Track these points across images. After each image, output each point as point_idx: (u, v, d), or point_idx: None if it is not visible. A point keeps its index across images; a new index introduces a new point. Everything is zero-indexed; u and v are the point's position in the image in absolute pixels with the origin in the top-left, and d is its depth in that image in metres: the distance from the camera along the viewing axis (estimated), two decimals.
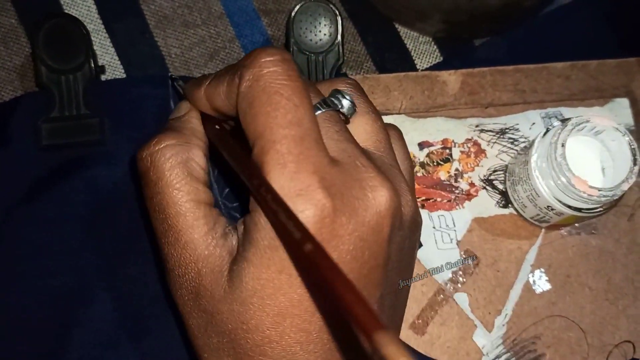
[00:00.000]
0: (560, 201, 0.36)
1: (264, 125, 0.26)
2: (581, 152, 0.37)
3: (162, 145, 0.28)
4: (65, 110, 0.40)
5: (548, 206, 0.37)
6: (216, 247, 0.27)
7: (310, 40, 0.41)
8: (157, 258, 0.38)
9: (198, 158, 0.29)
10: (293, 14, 0.41)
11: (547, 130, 0.37)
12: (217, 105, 0.29)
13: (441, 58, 0.45)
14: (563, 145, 0.35)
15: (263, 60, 0.27)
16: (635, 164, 0.35)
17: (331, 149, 0.27)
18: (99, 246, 0.38)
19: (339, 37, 0.41)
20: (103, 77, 0.43)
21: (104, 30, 0.44)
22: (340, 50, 0.41)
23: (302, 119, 0.26)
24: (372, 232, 0.26)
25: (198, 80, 0.31)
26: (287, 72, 0.27)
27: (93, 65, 0.40)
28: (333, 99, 0.29)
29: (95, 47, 0.43)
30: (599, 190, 0.34)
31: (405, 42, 0.46)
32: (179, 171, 0.28)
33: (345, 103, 0.29)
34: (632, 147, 0.35)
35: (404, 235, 0.28)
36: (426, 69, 0.45)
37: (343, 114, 0.29)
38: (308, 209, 0.25)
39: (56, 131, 0.39)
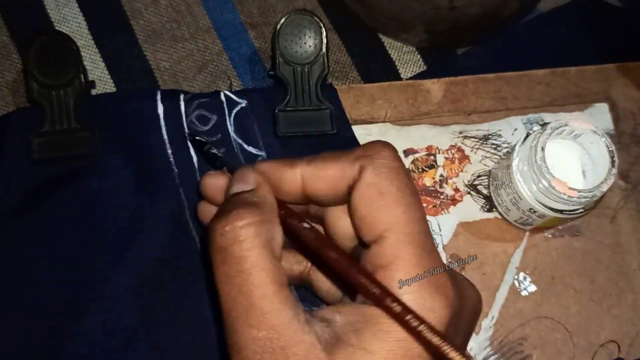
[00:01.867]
0: (542, 203, 0.36)
1: (397, 217, 0.26)
2: (562, 156, 0.38)
3: (245, 222, 0.27)
4: (56, 125, 0.40)
5: (530, 209, 0.37)
6: (304, 333, 0.26)
7: (296, 52, 0.42)
8: (151, 272, 0.38)
9: (278, 237, 0.28)
10: (279, 26, 0.42)
11: (528, 135, 0.37)
12: (317, 188, 0.29)
13: (425, 67, 0.46)
14: (543, 149, 0.36)
15: (388, 154, 0.28)
16: (613, 166, 0.35)
17: None
18: (90, 259, 0.38)
19: (324, 49, 0.42)
20: (93, 92, 0.44)
21: (94, 46, 0.45)
22: (325, 61, 0.42)
23: (425, 217, 0.27)
24: (471, 327, 0.29)
25: (288, 162, 0.30)
26: (407, 170, 0.28)
27: (83, 80, 0.41)
28: None
29: (85, 62, 0.44)
30: (579, 192, 0.35)
31: (390, 52, 0.47)
32: (265, 252, 0.27)
33: None
34: (610, 149, 0.36)
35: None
36: (410, 78, 0.46)
37: None
38: (445, 306, 0.25)
39: (47, 145, 0.40)
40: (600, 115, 0.44)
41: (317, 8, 0.47)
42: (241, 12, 0.47)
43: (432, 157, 0.42)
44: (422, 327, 0.24)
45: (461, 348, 0.24)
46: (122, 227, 0.39)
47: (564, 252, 0.41)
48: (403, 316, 0.24)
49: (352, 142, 0.41)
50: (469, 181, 0.42)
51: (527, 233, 0.41)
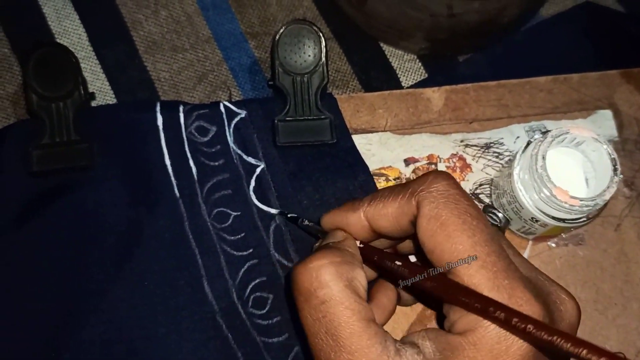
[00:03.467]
0: (543, 212, 0.36)
1: (463, 245, 0.26)
2: (564, 164, 0.38)
3: (327, 261, 0.28)
4: (55, 137, 0.40)
5: (532, 218, 0.37)
6: None
7: (295, 61, 0.42)
8: (150, 284, 0.38)
9: (360, 277, 0.29)
10: (278, 36, 0.42)
11: (529, 143, 0.37)
12: (381, 226, 0.30)
13: (426, 75, 0.46)
14: (544, 157, 0.35)
15: (443, 183, 0.28)
16: (615, 174, 0.35)
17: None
18: (88, 271, 0.38)
19: (323, 58, 0.41)
20: (93, 103, 0.44)
21: (95, 57, 0.45)
22: (325, 71, 0.41)
23: (494, 236, 0.27)
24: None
25: (351, 206, 0.31)
26: (465, 193, 0.28)
27: (83, 92, 0.41)
28: (488, 214, 0.32)
29: (86, 74, 0.44)
30: (581, 201, 0.34)
31: (390, 60, 0.47)
32: (348, 290, 0.27)
33: (501, 217, 0.34)
34: (612, 157, 0.35)
35: None
36: (411, 86, 0.45)
37: (500, 226, 0.33)
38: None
39: (46, 157, 0.40)
40: (604, 122, 0.44)
41: (317, 17, 0.47)
42: (241, 22, 0.47)
43: (433, 166, 0.42)
44: (530, 327, 0.24)
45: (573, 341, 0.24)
46: (121, 239, 0.39)
47: (568, 261, 0.40)
48: (510, 320, 0.24)
49: (352, 152, 0.41)
50: (470, 190, 0.41)
51: (530, 242, 0.41)
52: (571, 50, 0.46)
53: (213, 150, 0.41)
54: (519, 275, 0.26)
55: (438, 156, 0.42)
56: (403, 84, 0.46)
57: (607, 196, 0.35)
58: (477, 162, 0.42)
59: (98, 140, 0.40)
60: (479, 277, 0.26)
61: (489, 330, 0.26)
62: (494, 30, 0.43)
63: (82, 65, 0.45)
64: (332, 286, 0.27)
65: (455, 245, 0.26)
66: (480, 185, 0.42)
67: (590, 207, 0.35)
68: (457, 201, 0.27)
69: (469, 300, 0.26)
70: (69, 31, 0.46)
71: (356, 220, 0.31)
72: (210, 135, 0.41)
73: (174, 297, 0.38)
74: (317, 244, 0.35)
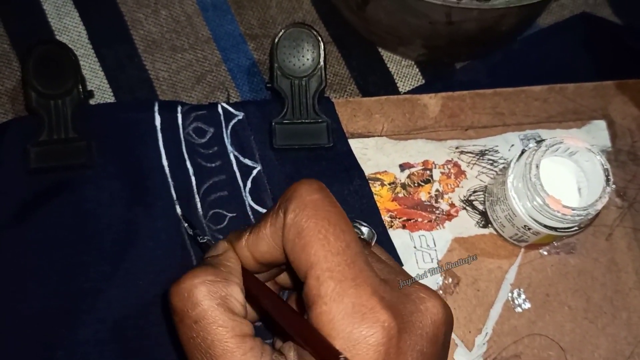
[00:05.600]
0: (536, 221, 0.36)
1: (316, 254, 0.26)
2: (557, 173, 0.38)
3: (199, 280, 0.28)
4: (54, 134, 0.40)
5: (525, 226, 0.37)
6: None
7: (294, 65, 0.42)
8: (144, 284, 0.38)
9: (236, 294, 0.28)
10: (277, 39, 0.42)
11: (523, 152, 0.37)
12: (262, 252, 0.29)
13: (423, 81, 0.46)
14: (537, 166, 0.35)
15: (305, 189, 0.28)
16: (607, 184, 0.35)
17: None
18: (84, 270, 0.38)
19: (322, 62, 0.42)
20: (92, 101, 0.44)
21: (94, 55, 0.46)
22: (323, 75, 0.42)
23: (351, 243, 0.27)
24: (431, 342, 0.27)
25: (237, 234, 0.31)
26: (329, 197, 0.28)
27: (82, 90, 0.41)
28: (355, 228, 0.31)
29: (85, 72, 0.45)
30: (573, 210, 0.35)
31: (388, 65, 0.47)
32: (222, 308, 0.27)
33: (365, 230, 0.33)
34: (605, 167, 0.36)
35: (448, 334, 0.29)
36: (408, 92, 0.46)
37: (364, 240, 0.32)
38: (376, 331, 0.25)
39: (44, 154, 0.40)
40: (598, 132, 0.44)
41: (317, 21, 0.47)
42: (240, 24, 0.47)
43: (428, 172, 0.42)
44: None
45: None
46: (117, 239, 0.39)
47: (559, 270, 0.41)
48: None
49: (348, 156, 0.41)
50: (464, 196, 0.42)
51: (522, 249, 0.41)
52: (567, 60, 0.46)
53: (210, 151, 0.41)
54: (370, 282, 0.26)
55: (433, 162, 0.42)
56: (400, 90, 0.46)
57: (599, 206, 0.35)
58: (471, 169, 0.42)
59: (96, 138, 0.41)
60: (325, 288, 0.26)
61: (340, 338, 0.25)
62: (492, 38, 0.43)
63: (81, 63, 0.45)
64: (204, 305, 0.27)
65: (309, 255, 0.26)
66: (475, 192, 0.42)
67: (583, 217, 0.35)
68: (317, 207, 0.27)
69: (317, 345, 0.26)
70: (69, 28, 0.46)
71: (240, 249, 0.30)
72: (207, 137, 0.41)
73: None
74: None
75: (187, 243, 0.39)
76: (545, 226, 0.36)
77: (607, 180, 0.35)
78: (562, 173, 0.38)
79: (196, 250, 0.39)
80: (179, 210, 0.39)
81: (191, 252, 0.39)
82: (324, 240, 0.26)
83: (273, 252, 0.29)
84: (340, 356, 0.25)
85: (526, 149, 0.37)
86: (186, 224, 0.39)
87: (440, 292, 0.40)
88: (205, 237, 0.37)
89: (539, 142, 0.37)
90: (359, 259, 0.27)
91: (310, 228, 0.27)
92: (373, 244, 0.33)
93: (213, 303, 0.27)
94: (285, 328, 0.28)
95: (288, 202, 0.27)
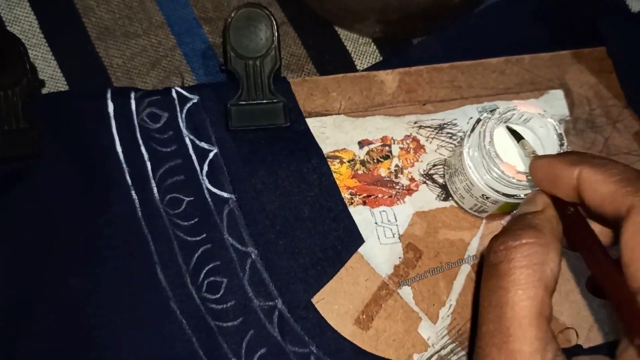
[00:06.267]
0: (493, 189, 0.36)
1: None
2: (513, 141, 0.38)
3: (519, 242, 0.27)
4: (4, 125, 0.40)
5: (483, 195, 0.37)
6: None
7: (247, 45, 0.41)
8: (103, 271, 0.38)
9: (553, 264, 0.27)
10: (229, 20, 0.41)
11: (478, 121, 0.37)
12: (594, 195, 0.27)
13: (380, 58, 0.46)
14: (491, 134, 0.35)
15: None
16: (562, 149, 0.35)
17: None
18: (43, 260, 0.38)
19: (275, 42, 0.41)
20: (44, 90, 0.43)
21: (46, 45, 0.45)
22: (277, 55, 0.41)
23: None
24: None
25: (570, 158, 0.28)
26: None
27: (32, 80, 0.40)
28: None
29: (37, 61, 0.44)
30: (527, 176, 0.35)
31: (345, 43, 0.47)
32: (531, 273, 0.26)
33: None
34: (559, 132, 0.36)
35: None
36: (366, 69, 0.45)
37: None
38: None
39: None
40: (556, 101, 0.44)
41: (272, 2, 0.47)
42: (195, 7, 0.46)
43: (387, 148, 0.42)
44: None
45: None
46: (74, 227, 0.38)
47: None
48: None
49: (305, 135, 0.41)
50: (424, 171, 0.42)
51: (484, 221, 0.41)
52: (523, 31, 0.46)
53: (165, 136, 0.40)
54: None
55: (392, 138, 0.42)
56: (358, 67, 0.46)
57: None
58: (430, 143, 0.42)
59: (48, 128, 0.40)
60: None
61: None
62: (446, 12, 0.43)
63: (33, 52, 0.44)
64: (517, 270, 0.26)
65: None
66: (434, 165, 0.42)
67: None
68: None
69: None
70: (20, 19, 0.45)
71: (568, 177, 0.27)
72: (162, 122, 0.41)
73: (127, 284, 0.38)
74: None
75: (145, 229, 0.38)
76: (503, 194, 0.36)
77: (561, 144, 0.35)
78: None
79: (154, 236, 0.38)
80: (134, 195, 0.39)
81: (149, 238, 0.38)
82: None
83: (602, 205, 0.26)
84: None
85: (481, 118, 0.37)
86: (135, 194, 0.39)
87: (403, 266, 0.40)
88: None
89: (493, 111, 0.37)
90: None
91: None
92: None
93: (527, 265, 0.26)
94: (608, 292, 0.25)
95: None
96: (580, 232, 0.28)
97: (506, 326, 0.25)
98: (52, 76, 0.44)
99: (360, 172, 0.41)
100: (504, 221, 0.41)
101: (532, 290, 0.26)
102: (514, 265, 0.26)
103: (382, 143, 0.42)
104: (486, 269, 0.27)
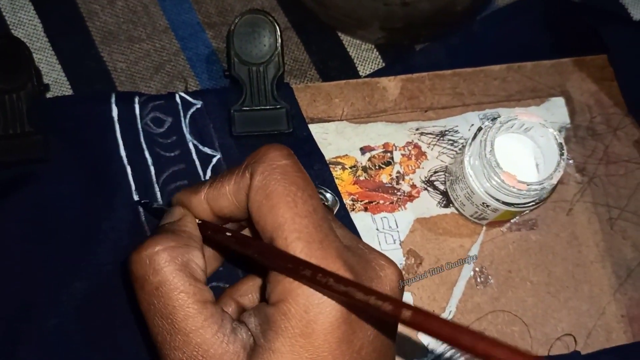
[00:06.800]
0: (493, 197, 0.37)
1: (284, 216, 0.27)
2: (514, 150, 0.39)
3: (160, 247, 0.28)
4: (9, 129, 0.40)
5: (483, 203, 0.38)
6: (229, 343, 0.27)
7: (251, 51, 0.42)
8: (106, 275, 0.38)
9: (197, 259, 0.29)
10: (233, 26, 0.41)
11: (480, 130, 0.38)
12: (222, 206, 0.30)
13: (383, 64, 0.46)
14: (492, 143, 0.36)
15: (274, 154, 0.28)
16: (562, 158, 0.36)
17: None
18: (46, 264, 0.38)
19: (279, 48, 0.42)
20: (49, 95, 0.43)
21: (51, 49, 0.45)
22: (281, 60, 0.42)
23: (317, 207, 0.27)
24: None
25: (194, 188, 0.31)
26: (297, 164, 0.29)
27: (36, 84, 0.41)
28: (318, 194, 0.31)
29: (41, 65, 0.44)
30: (528, 185, 0.35)
31: (348, 49, 0.47)
32: (182, 274, 0.27)
33: (329, 197, 0.34)
34: (559, 141, 0.36)
35: None
36: (368, 75, 0.46)
37: (328, 206, 0.33)
38: (336, 302, 0.26)
39: (0, 150, 0.39)
40: (557, 109, 0.44)
41: (276, 7, 0.47)
42: (198, 12, 0.47)
43: (388, 154, 0.42)
44: (330, 280, 0.25)
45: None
46: (78, 232, 0.39)
47: (521, 246, 0.41)
48: (316, 278, 0.25)
49: (308, 141, 0.41)
50: (425, 177, 0.42)
51: (484, 227, 0.41)
52: (526, 39, 0.47)
53: (169, 141, 0.41)
54: (335, 246, 0.27)
55: (394, 144, 0.42)
56: (361, 73, 0.46)
57: (555, 180, 0.35)
58: (432, 149, 0.43)
59: (52, 132, 0.40)
60: (293, 247, 0.26)
61: (298, 300, 0.26)
62: (449, 19, 0.44)
63: (37, 56, 0.44)
64: (165, 271, 0.27)
65: (277, 217, 0.27)
66: (435, 172, 0.42)
67: (538, 191, 0.35)
68: (286, 172, 0.28)
69: (282, 262, 0.26)
70: (24, 22, 0.45)
71: (197, 203, 0.30)
72: (166, 126, 0.41)
73: (131, 288, 0.38)
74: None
75: (147, 233, 0.39)
76: (503, 202, 0.37)
77: (562, 154, 0.36)
78: (519, 150, 0.39)
79: None
80: (137, 199, 0.39)
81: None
82: (292, 204, 0.27)
83: (233, 209, 0.29)
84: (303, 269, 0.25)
85: (483, 126, 0.38)
86: (138, 198, 0.39)
87: (404, 272, 0.40)
88: (157, 203, 0.37)
89: (494, 119, 0.37)
90: (324, 224, 0.27)
91: (278, 191, 0.27)
92: (335, 211, 0.33)
93: (174, 269, 0.27)
94: (250, 254, 0.28)
95: (257, 164, 0.28)
96: (216, 232, 0.30)
97: (182, 327, 0.27)
98: (56, 80, 0.44)
99: (362, 178, 0.42)
100: (504, 228, 0.41)
101: (190, 288, 0.27)
102: (163, 272, 0.27)
103: (383, 149, 0.42)
104: (135, 282, 0.28)
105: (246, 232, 0.34)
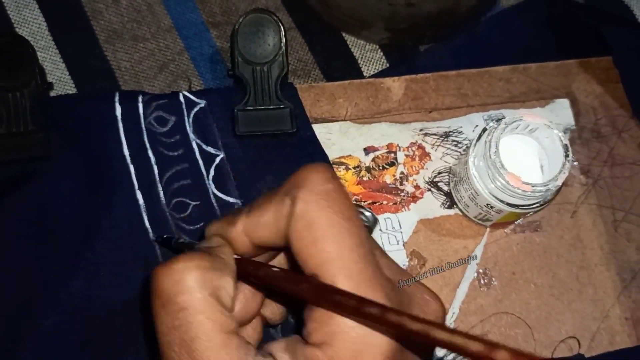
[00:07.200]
0: (498, 199, 0.37)
1: (330, 251, 0.24)
2: (519, 151, 0.38)
3: (193, 264, 0.25)
4: (12, 127, 0.40)
5: (487, 204, 0.37)
6: None
7: (255, 51, 0.42)
8: (106, 274, 0.38)
9: (229, 287, 0.26)
10: (237, 26, 0.41)
11: (484, 131, 0.37)
12: (261, 237, 0.27)
13: (387, 64, 0.46)
14: (497, 144, 0.36)
15: (316, 177, 0.25)
16: (567, 159, 0.35)
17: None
18: (46, 262, 0.38)
19: (283, 48, 0.41)
20: (53, 93, 0.43)
21: (55, 47, 0.45)
22: (285, 60, 0.41)
23: (364, 240, 0.25)
24: None
25: (230, 219, 0.28)
26: (340, 188, 0.25)
27: (40, 82, 0.41)
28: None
29: (45, 63, 0.44)
30: (532, 186, 0.35)
31: (352, 50, 0.47)
32: (212, 299, 0.25)
33: (368, 215, 0.30)
34: (564, 142, 0.36)
35: None
36: (372, 76, 0.46)
37: (368, 227, 0.30)
38: (384, 341, 0.24)
39: (3, 148, 0.39)
40: (561, 110, 0.44)
41: (280, 7, 0.47)
42: (203, 12, 0.47)
43: (392, 155, 0.42)
44: (403, 318, 0.22)
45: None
46: (79, 230, 0.39)
47: (525, 248, 0.41)
48: (385, 318, 0.22)
49: (312, 141, 0.41)
50: (429, 178, 0.42)
51: (488, 229, 0.41)
52: (530, 40, 0.46)
53: (172, 140, 0.41)
54: (381, 283, 0.24)
55: (397, 145, 0.42)
56: (365, 74, 0.46)
57: (559, 181, 0.35)
58: (436, 150, 0.42)
59: (56, 130, 0.40)
60: (341, 286, 0.24)
61: (346, 344, 0.23)
62: (453, 19, 0.43)
63: (41, 55, 0.44)
64: (194, 293, 0.24)
65: (321, 252, 0.24)
66: (439, 173, 0.42)
67: (543, 193, 0.35)
68: (330, 199, 0.24)
69: (341, 300, 0.23)
70: (29, 20, 0.45)
71: (235, 235, 0.27)
72: (169, 126, 0.41)
73: (132, 287, 0.38)
74: None
75: (150, 233, 0.39)
76: (507, 204, 0.36)
77: (566, 155, 0.36)
78: (524, 151, 0.38)
79: (159, 239, 0.39)
80: (140, 199, 0.39)
81: (154, 243, 0.39)
82: (339, 236, 0.24)
83: (274, 239, 0.26)
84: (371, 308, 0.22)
85: (487, 127, 0.37)
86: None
87: None
88: (183, 238, 0.35)
89: (499, 120, 0.37)
90: (372, 258, 0.25)
91: (322, 222, 0.24)
92: (374, 230, 0.31)
93: (205, 292, 0.24)
94: (301, 292, 0.25)
95: (297, 189, 0.25)
96: (255, 269, 0.27)
97: (199, 357, 0.24)
98: (60, 79, 0.44)
99: (365, 178, 0.41)
100: (508, 230, 0.41)
101: (216, 315, 0.25)
102: (192, 293, 0.24)
103: (387, 150, 0.42)
104: (158, 298, 0.25)
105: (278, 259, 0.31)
